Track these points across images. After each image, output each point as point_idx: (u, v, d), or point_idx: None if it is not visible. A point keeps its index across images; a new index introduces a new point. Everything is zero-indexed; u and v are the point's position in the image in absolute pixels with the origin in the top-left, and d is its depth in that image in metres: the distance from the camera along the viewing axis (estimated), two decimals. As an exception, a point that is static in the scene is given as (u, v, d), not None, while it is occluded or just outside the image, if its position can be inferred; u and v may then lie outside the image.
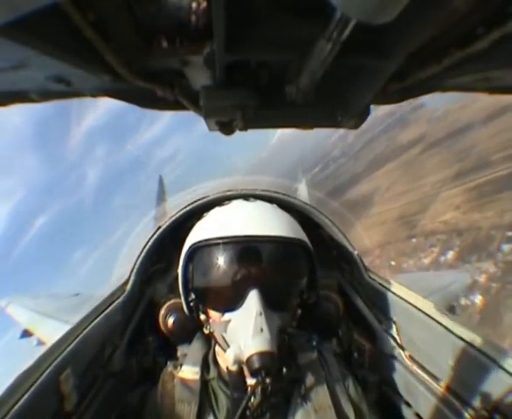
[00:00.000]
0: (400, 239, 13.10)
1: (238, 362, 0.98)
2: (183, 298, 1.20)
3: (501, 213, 10.75)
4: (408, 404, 1.30)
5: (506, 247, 9.75)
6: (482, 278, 9.42)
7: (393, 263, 12.24)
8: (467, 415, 1.01)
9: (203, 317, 1.15)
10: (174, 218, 1.63)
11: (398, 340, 1.36)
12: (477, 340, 0.98)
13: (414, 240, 12.74)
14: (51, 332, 3.46)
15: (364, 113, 0.98)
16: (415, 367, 1.27)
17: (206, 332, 1.15)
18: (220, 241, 1.08)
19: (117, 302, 1.37)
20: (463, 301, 9.14)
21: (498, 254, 9.96)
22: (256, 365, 0.92)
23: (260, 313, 0.97)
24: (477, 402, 0.97)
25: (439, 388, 1.14)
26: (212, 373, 1.15)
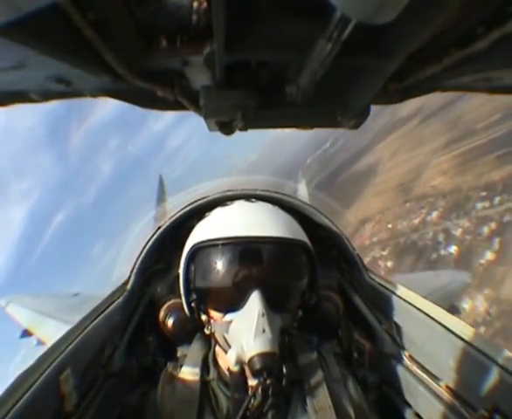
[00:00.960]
0: (397, 204, 14.91)
1: (240, 363, 0.98)
2: (184, 298, 1.20)
3: (478, 176, 12.49)
4: (408, 404, 1.30)
5: (479, 205, 11.73)
6: (458, 233, 11.40)
7: (390, 225, 13.79)
8: (467, 415, 1.01)
9: (204, 317, 1.15)
10: (174, 218, 1.63)
11: (398, 340, 1.36)
12: (477, 339, 0.98)
13: (408, 204, 14.61)
14: (52, 332, 3.46)
15: (364, 113, 0.98)
16: (415, 367, 1.27)
17: (207, 332, 1.15)
18: (222, 242, 1.08)
19: (117, 302, 1.37)
20: (442, 252, 11.32)
21: (472, 211, 11.77)
22: (258, 365, 0.92)
23: (263, 314, 0.97)
24: (477, 402, 0.97)
25: (439, 388, 1.14)
26: (212, 374, 1.15)
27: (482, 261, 9.96)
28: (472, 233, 11.04)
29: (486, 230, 10.74)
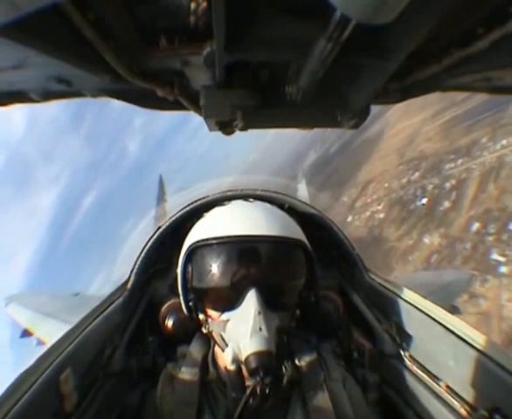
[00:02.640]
0: (393, 167, 18.18)
1: (237, 361, 0.98)
2: (182, 297, 1.20)
3: (452, 142, 15.78)
4: (408, 404, 1.30)
5: (447, 166, 15.00)
6: (430, 188, 14.89)
7: (386, 185, 17.33)
8: (467, 415, 1.01)
9: (201, 316, 1.15)
10: (174, 218, 1.63)
11: (398, 340, 1.36)
12: (477, 339, 0.98)
13: (400, 167, 17.94)
14: (52, 332, 3.46)
15: (364, 113, 0.98)
16: (415, 367, 1.27)
17: (205, 331, 1.15)
18: (219, 241, 1.08)
19: (117, 302, 1.37)
20: (417, 203, 14.65)
21: (442, 171, 14.93)
22: (254, 364, 0.92)
23: (259, 312, 0.97)
24: (477, 402, 0.97)
25: (439, 388, 1.14)
26: (211, 374, 1.15)
27: (442, 208, 13.41)
28: (438, 188, 14.28)
29: (448, 185, 14.09)
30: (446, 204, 13.26)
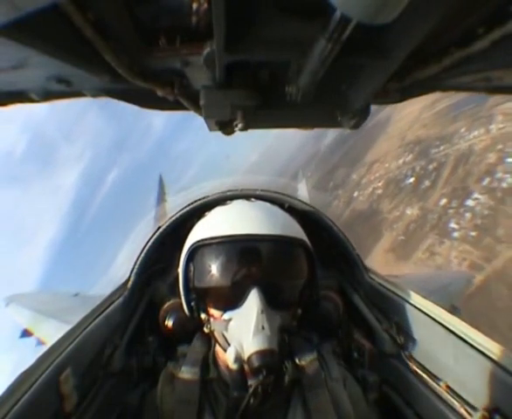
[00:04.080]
0: (394, 149, 20.32)
1: (240, 361, 0.98)
2: (183, 297, 1.20)
3: (440, 129, 17.82)
4: (408, 404, 1.30)
5: (432, 150, 17.19)
6: (417, 169, 16.91)
7: (387, 165, 19.39)
8: (467, 415, 1.00)
9: (203, 316, 1.15)
10: (174, 218, 1.63)
11: (398, 340, 1.36)
12: (477, 339, 0.98)
13: (399, 149, 20.14)
14: (52, 332, 3.46)
15: (364, 113, 0.98)
16: (415, 367, 1.27)
17: (206, 331, 1.15)
18: (221, 240, 1.08)
19: (117, 302, 1.37)
20: (406, 182, 16.75)
21: (429, 155, 17.23)
22: (257, 363, 0.92)
23: (262, 311, 0.97)
24: (477, 402, 0.97)
25: (439, 388, 1.14)
26: (212, 373, 1.15)
27: (423, 186, 15.56)
28: (424, 169, 16.54)
29: (431, 167, 16.15)
30: (427, 183, 15.54)
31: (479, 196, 11.57)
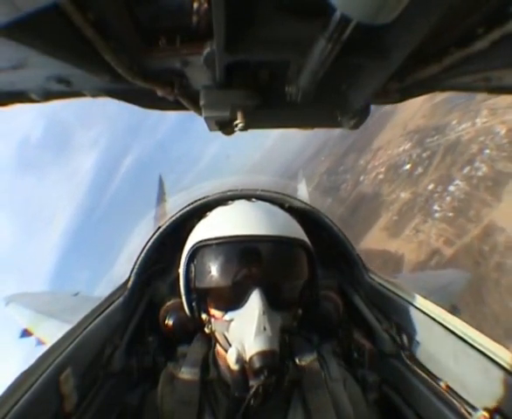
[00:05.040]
0: (396, 137, 21.75)
1: (241, 361, 0.98)
2: (184, 297, 1.20)
3: (437, 120, 19.19)
4: (408, 404, 1.30)
5: (428, 139, 18.46)
6: (414, 156, 18.24)
7: (389, 152, 20.78)
8: (467, 415, 1.00)
9: (204, 316, 1.15)
10: (174, 218, 1.63)
11: (398, 340, 1.36)
12: (477, 339, 0.98)
13: (401, 137, 21.60)
14: (52, 332, 3.46)
15: (364, 113, 0.98)
16: (415, 367, 1.27)
17: (207, 331, 1.15)
18: (222, 241, 1.08)
19: (117, 302, 1.37)
20: (403, 168, 18.16)
21: (424, 144, 18.51)
22: (259, 364, 0.92)
23: (263, 312, 0.97)
24: (477, 402, 0.97)
25: (439, 388, 1.14)
26: (212, 373, 1.15)
27: (416, 173, 16.85)
28: (419, 157, 17.84)
29: (424, 155, 17.56)
30: (420, 170, 16.97)
31: (459, 183, 13.48)
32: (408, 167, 17.94)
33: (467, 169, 13.71)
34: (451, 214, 12.55)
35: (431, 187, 14.87)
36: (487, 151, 13.59)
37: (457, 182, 13.62)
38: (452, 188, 13.57)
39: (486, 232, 10.67)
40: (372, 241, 14.14)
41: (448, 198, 13.30)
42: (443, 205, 13.20)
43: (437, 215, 13.09)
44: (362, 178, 21.05)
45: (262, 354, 0.92)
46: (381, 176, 19.25)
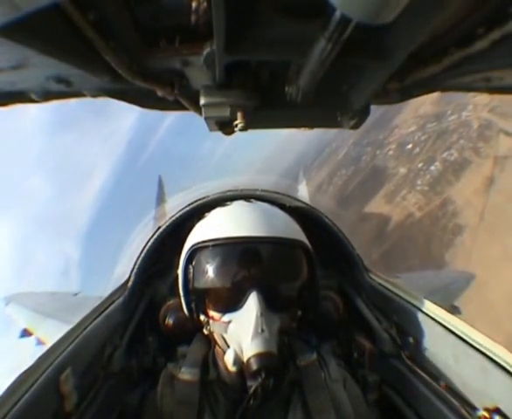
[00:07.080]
0: (409, 118, 23.18)
1: (239, 363, 0.98)
2: (182, 298, 1.20)
3: (438, 109, 20.81)
4: (408, 404, 1.30)
5: (428, 125, 20.30)
6: (415, 138, 20.22)
7: (402, 131, 22.50)
8: (467, 415, 1.00)
9: (203, 317, 1.15)
10: (174, 218, 1.63)
11: (398, 341, 1.36)
12: (477, 339, 0.98)
13: (411, 120, 22.95)
14: (52, 332, 3.46)
15: (364, 113, 0.98)
16: (415, 367, 1.27)
17: (206, 332, 1.15)
18: (220, 242, 1.08)
19: (117, 302, 1.37)
20: (407, 147, 19.99)
21: (424, 128, 20.43)
22: (256, 366, 0.92)
23: (261, 314, 0.97)
24: (477, 402, 0.97)
25: (439, 388, 1.14)
26: (212, 374, 1.15)
27: (414, 152, 18.93)
28: (419, 139, 19.98)
29: (423, 138, 19.54)
30: (417, 150, 19.26)
31: (438, 164, 16.72)
32: (410, 146, 20.35)
33: (445, 154, 17.08)
34: (426, 188, 16.12)
35: (420, 165, 17.90)
36: (462, 141, 16.90)
37: (436, 163, 16.93)
38: (432, 167, 16.88)
39: (442, 203, 14.71)
40: (373, 206, 17.69)
41: (428, 176, 16.63)
42: (423, 181, 16.60)
43: (418, 188, 16.50)
44: (378, 152, 23.44)
45: (259, 356, 0.92)
46: (391, 152, 21.77)
